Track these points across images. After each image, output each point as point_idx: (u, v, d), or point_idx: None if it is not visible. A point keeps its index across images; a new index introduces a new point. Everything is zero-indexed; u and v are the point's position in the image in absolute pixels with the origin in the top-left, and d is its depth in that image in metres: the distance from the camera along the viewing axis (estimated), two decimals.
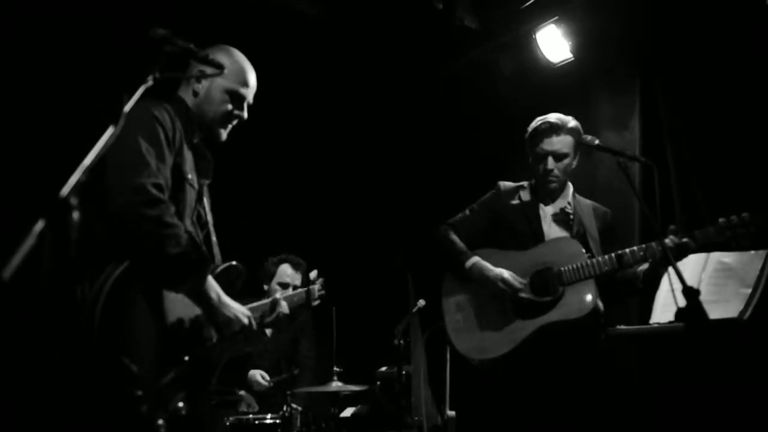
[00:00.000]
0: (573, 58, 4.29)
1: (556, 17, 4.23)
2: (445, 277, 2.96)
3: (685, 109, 3.77)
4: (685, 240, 2.52)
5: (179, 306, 2.02)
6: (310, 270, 2.78)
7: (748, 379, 2.39)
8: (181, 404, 1.92)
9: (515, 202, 2.94)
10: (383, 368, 4.43)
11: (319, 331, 4.35)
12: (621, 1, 3.99)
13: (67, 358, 1.79)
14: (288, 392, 3.59)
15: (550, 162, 2.86)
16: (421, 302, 4.30)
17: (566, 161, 2.88)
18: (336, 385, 3.76)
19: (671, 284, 2.01)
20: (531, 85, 4.44)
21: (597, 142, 2.62)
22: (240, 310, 2.17)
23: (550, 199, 2.96)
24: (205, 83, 2.25)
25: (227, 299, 2.13)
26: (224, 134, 2.32)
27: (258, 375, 3.99)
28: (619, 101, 4.17)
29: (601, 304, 2.69)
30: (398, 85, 5.05)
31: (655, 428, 2.58)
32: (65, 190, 1.22)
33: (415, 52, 4.69)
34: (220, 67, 2.16)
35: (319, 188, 5.27)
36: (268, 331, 4.20)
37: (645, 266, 2.71)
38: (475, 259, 2.84)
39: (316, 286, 2.75)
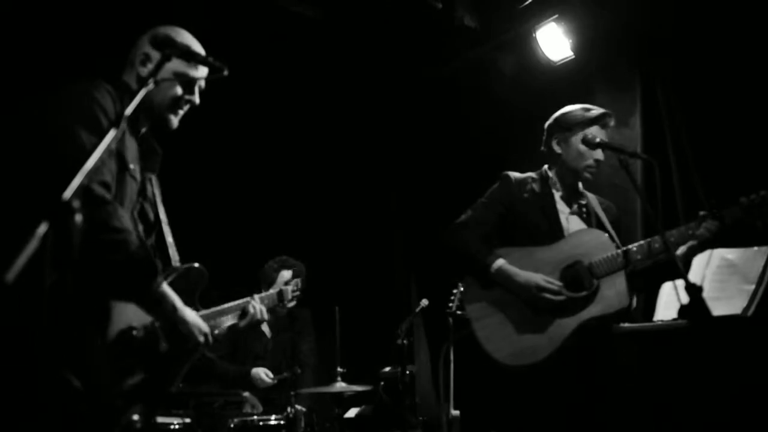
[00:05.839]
0: (573, 56, 4.29)
1: (556, 15, 4.22)
2: (465, 281, 2.77)
3: (686, 106, 3.77)
4: (716, 224, 2.52)
5: (130, 313, 1.85)
6: (309, 273, 2.70)
7: (751, 376, 2.38)
8: (135, 417, 1.81)
9: (527, 194, 2.77)
10: (387, 368, 4.43)
11: (321, 331, 4.35)
12: None
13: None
14: (292, 393, 3.59)
15: (601, 153, 2.73)
16: (424, 302, 4.30)
17: None
18: (340, 385, 3.76)
19: (674, 281, 2.01)
20: (531, 84, 4.44)
21: (598, 139, 2.62)
22: (197, 327, 1.97)
23: (569, 191, 2.82)
24: (150, 66, 2.02)
25: (185, 313, 1.94)
26: (175, 121, 2.10)
27: (262, 373, 3.95)
28: (619, 98, 4.16)
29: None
30: (398, 85, 5.05)
31: (656, 426, 2.57)
32: (68, 192, 1.22)
33: (415, 52, 4.70)
34: (221, 70, 1.96)
35: (321, 187, 5.27)
36: (266, 330, 4.18)
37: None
38: (500, 261, 2.61)
39: (290, 287, 2.62)
